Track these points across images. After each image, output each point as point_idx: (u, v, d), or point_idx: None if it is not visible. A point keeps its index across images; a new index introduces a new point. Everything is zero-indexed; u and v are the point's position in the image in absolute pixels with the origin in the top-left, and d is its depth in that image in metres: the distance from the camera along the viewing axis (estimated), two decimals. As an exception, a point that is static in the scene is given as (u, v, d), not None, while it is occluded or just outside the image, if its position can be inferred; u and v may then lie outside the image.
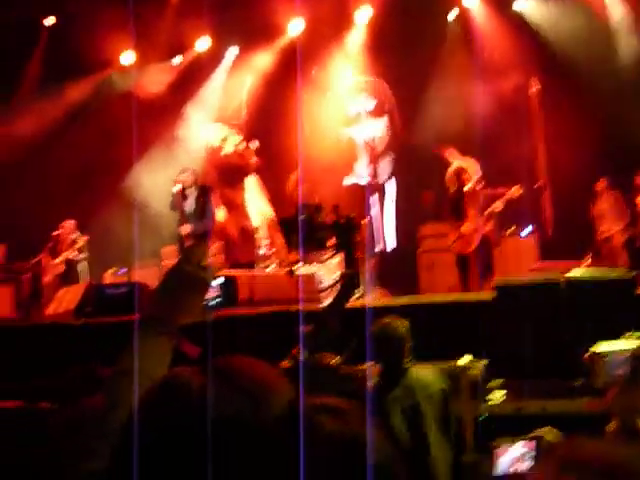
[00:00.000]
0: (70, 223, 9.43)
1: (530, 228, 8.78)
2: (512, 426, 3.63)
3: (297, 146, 9.83)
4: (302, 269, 7.71)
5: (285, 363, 3.74)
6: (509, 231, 8.70)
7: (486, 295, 6.09)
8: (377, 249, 9.35)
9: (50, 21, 11.21)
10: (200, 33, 11.12)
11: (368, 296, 7.13)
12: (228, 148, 9.71)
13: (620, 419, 2.65)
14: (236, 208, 9.47)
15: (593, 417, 3.48)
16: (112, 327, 5.48)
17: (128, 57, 11.18)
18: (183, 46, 11.32)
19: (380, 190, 10.40)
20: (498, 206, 7.77)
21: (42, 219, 9.71)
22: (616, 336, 3.94)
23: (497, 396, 4.86)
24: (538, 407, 4.62)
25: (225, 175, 9.85)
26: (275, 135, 10.28)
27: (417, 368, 3.79)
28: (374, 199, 10.00)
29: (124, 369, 1.16)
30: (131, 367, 1.15)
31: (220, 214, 7.83)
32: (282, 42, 11.05)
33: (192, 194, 7.88)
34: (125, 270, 9.88)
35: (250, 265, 8.15)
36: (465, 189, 7.75)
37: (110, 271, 9.90)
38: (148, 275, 8.99)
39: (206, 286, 1.30)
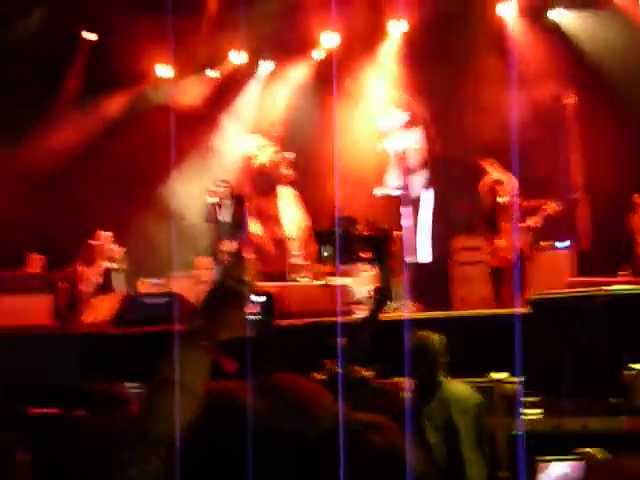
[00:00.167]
0: (106, 233, 9.58)
1: (567, 242, 8.66)
2: (549, 444, 3.58)
3: (331, 158, 9.86)
4: (335, 281, 7.72)
5: (317, 375, 3.74)
6: (544, 244, 8.59)
7: (521, 310, 6.01)
8: (410, 262, 9.30)
9: (89, 35, 11.45)
10: (235, 46, 11.26)
11: (401, 309, 7.11)
12: (263, 158, 9.77)
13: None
14: (269, 219, 9.52)
15: (634, 435, 3.41)
16: (150, 336, 5.54)
17: (164, 70, 11.36)
18: (219, 59, 11.47)
19: (412, 202, 10.37)
20: (536, 221, 7.68)
21: (79, 230, 9.88)
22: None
23: (533, 413, 4.80)
24: (577, 425, 4.54)
25: (259, 185, 9.91)
26: (309, 147, 10.34)
27: (451, 383, 3.76)
28: (407, 211, 9.97)
29: (163, 380, 1.18)
30: (170, 378, 1.17)
31: (253, 225, 7.87)
32: (316, 55, 11.14)
33: (227, 206, 7.94)
34: (160, 281, 9.99)
35: (282, 276, 8.17)
36: (500, 202, 7.68)
37: (145, 281, 10.03)
38: (182, 286, 9.08)
39: (247, 301, 1.32)
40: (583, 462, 1.75)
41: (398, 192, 10.31)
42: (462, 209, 9.70)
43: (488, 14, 10.36)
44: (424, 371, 3.69)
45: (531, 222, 7.61)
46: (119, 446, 1.12)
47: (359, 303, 7.10)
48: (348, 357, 4.04)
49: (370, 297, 7.30)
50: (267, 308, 1.38)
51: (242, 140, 10.66)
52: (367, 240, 4.41)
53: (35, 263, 9.84)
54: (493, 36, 10.22)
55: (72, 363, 5.82)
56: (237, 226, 7.82)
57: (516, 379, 4.82)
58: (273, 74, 11.40)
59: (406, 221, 9.88)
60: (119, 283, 9.50)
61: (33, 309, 8.77)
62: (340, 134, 10.65)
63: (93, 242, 9.38)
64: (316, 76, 10.90)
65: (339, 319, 5.96)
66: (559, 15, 10.06)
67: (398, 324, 5.18)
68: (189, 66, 11.29)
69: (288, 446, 0.68)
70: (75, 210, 10.41)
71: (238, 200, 8.01)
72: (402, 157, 10.40)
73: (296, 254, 8.82)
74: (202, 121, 10.99)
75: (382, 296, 4.05)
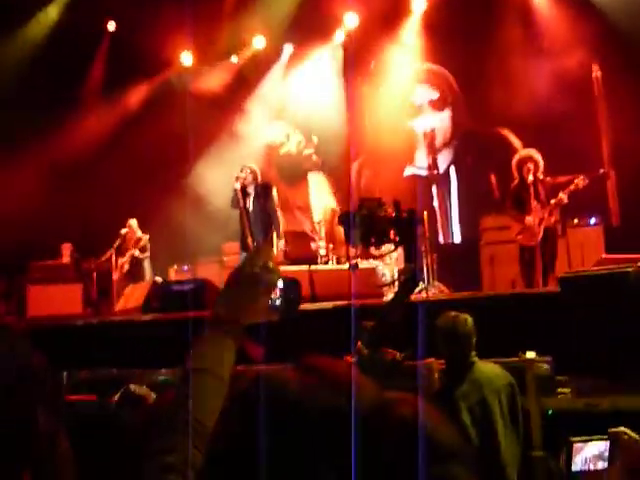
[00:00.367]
0: (134, 221, 9.68)
1: (594, 219, 8.54)
2: (582, 423, 3.56)
3: (358, 139, 9.82)
4: (363, 264, 7.71)
5: (349, 358, 3.75)
6: (574, 222, 8.48)
7: (551, 289, 5.97)
8: (439, 242, 9.27)
9: (113, 26, 11.51)
10: (257, 31, 11.22)
11: (430, 290, 7.09)
12: (290, 147, 9.77)
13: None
14: (297, 206, 9.54)
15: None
16: (180, 323, 5.59)
17: (187, 57, 11.38)
18: (241, 44, 11.44)
19: (441, 181, 10.30)
20: (562, 198, 7.55)
21: (107, 218, 9.99)
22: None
23: (565, 392, 4.77)
24: (608, 403, 4.50)
25: (286, 173, 9.93)
26: (335, 130, 10.30)
27: (483, 363, 3.75)
28: (435, 190, 9.91)
29: (193, 367, 1.19)
30: (200, 365, 1.18)
31: (280, 212, 7.88)
32: (338, 37, 11.06)
33: (252, 192, 7.95)
34: (188, 267, 10.08)
35: (310, 261, 8.19)
36: (529, 179, 7.56)
37: (173, 268, 10.13)
38: (210, 271, 9.16)
39: (272, 287, 1.32)
40: (614, 442, 1.74)
41: (427, 171, 10.24)
42: (491, 188, 9.62)
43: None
44: (455, 352, 3.68)
45: (560, 198, 7.47)
46: (155, 433, 1.13)
47: (387, 285, 7.09)
48: (378, 339, 4.03)
49: (399, 279, 7.29)
50: (293, 293, 1.37)
51: (268, 128, 10.66)
52: (394, 222, 4.38)
53: (67, 253, 9.99)
54: (518, 8, 10.04)
55: (105, 350, 5.90)
56: (262, 212, 7.83)
57: (546, 358, 4.80)
58: (296, 57, 11.36)
59: (435, 200, 9.82)
60: (148, 270, 9.61)
61: (65, 298, 8.92)
62: (368, 115, 10.60)
63: (123, 231, 9.49)
64: (340, 58, 10.83)
65: (368, 302, 5.96)
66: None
67: (428, 305, 5.17)
68: (212, 53, 11.30)
69: (335, 424, 0.69)
70: (105, 199, 10.52)
71: (263, 186, 8.01)
72: (431, 136, 10.32)
73: (323, 238, 8.83)
74: (227, 107, 11.01)
75: (412, 278, 4.03)
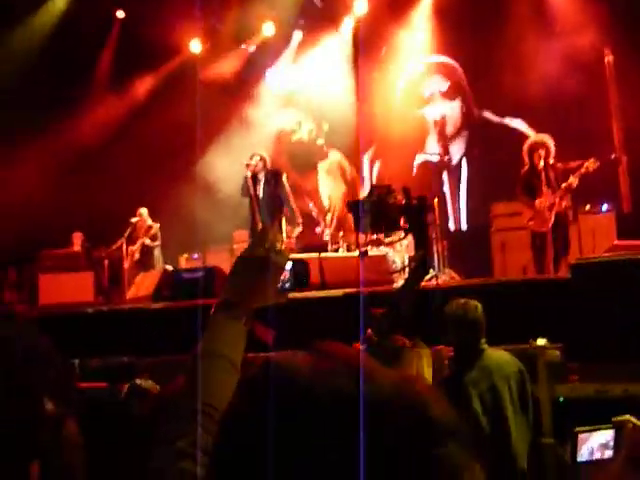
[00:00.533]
0: (144, 210, 9.71)
1: (606, 206, 8.47)
2: (592, 409, 3.54)
3: (368, 126, 9.78)
4: (373, 251, 7.70)
5: (358, 345, 3.75)
6: (586, 208, 8.42)
7: (562, 275, 5.94)
8: (450, 229, 9.25)
9: (121, 14, 11.49)
10: (266, 18, 11.17)
11: (440, 277, 7.06)
12: (301, 134, 9.75)
13: None
14: (307, 193, 9.53)
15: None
16: (190, 311, 5.61)
17: (196, 45, 11.35)
18: (250, 31, 11.40)
19: (452, 169, 10.26)
20: (572, 182, 7.47)
21: (117, 207, 10.02)
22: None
23: (575, 379, 4.75)
24: (619, 390, 4.49)
25: (297, 160, 9.91)
26: (345, 118, 10.26)
27: (493, 350, 3.74)
28: (446, 177, 9.89)
29: (202, 352, 1.18)
30: (209, 350, 1.18)
31: (290, 199, 7.87)
32: (348, 23, 11.00)
33: (262, 179, 7.94)
34: (198, 255, 10.10)
35: (320, 248, 8.19)
36: (540, 165, 7.50)
37: (184, 256, 10.16)
38: (220, 259, 9.17)
39: (280, 270, 1.31)
40: (619, 430, 1.72)
41: (438, 158, 10.20)
42: (499, 175, 9.58)
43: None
44: (465, 339, 3.67)
45: (570, 182, 7.39)
46: (163, 420, 1.13)
47: (398, 272, 7.08)
48: (389, 326, 4.03)
49: (409, 266, 7.28)
50: (302, 272, 1.36)
51: (279, 115, 10.64)
52: (404, 208, 4.36)
53: (78, 241, 10.04)
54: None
55: (115, 338, 5.94)
56: (272, 199, 7.82)
57: (557, 345, 4.78)
58: (306, 44, 11.31)
59: (446, 187, 9.79)
60: (159, 258, 9.65)
61: (76, 286, 8.97)
62: (378, 101, 10.56)
63: (134, 220, 9.52)
64: (350, 44, 10.78)
65: (378, 289, 5.96)
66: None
67: (438, 292, 5.16)
68: (221, 40, 11.26)
69: (346, 411, 0.68)
70: (116, 188, 10.56)
71: (273, 173, 8.00)
72: (442, 123, 10.28)
73: (333, 226, 8.83)
74: (236, 94, 10.99)
75: (422, 265, 4.02)
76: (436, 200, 8.69)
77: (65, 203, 10.23)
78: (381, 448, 0.65)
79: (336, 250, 8.59)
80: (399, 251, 7.96)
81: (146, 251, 9.55)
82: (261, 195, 7.85)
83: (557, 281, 5.97)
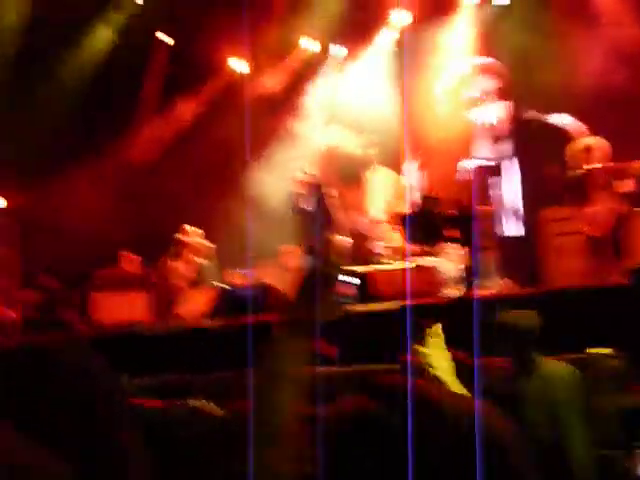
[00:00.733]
0: (194, 228, 9.84)
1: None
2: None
3: (413, 135, 9.73)
4: (423, 262, 7.62)
5: (406, 357, 3.70)
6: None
7: (621, 281, 5.77)
8: (500, 237, 9.08)
9: (166, 37, 11.74)
10: (306, 33, 11.27)
11: (493, 287, 6.95)
12: (347, 147, 9.76)
13: None
14: (353, 204, 9.51)
15: None
16: (243, 328, 5.64)
17: (239, 63, 11.51)
18: (292, 47, 11.51)
19: (501, 172, 10.10)
20: (628, 185, 7.26)
21: (167, 225, 10.18)
22: None
23: (638, 388, 4.59)
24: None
25: (344, 173, 9.91)
26: (391, 126, 10.25)
27: (549, 360, 3.65)
28: (496, 183, 9.73)
29: (268, 373, 1.18)
30: (275, 370, 1.17)
31: (339, 213, 7.88)
32: (390, 33, 11.01)
33: (310, 194, 7.97)
34: (248, 271, 10.17)
35: (369, 261, 8.16)
36: (589, 169, 7.32)
37: (234, 272, 10.24)
38: (270, 274, 9.21)
39: (337, 283, 1.31)
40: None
41: (486, 163, 10.08)
42: (550, 178, 9.39)
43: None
44: (520, 350, 3.59)
45: (625, 187, 7.19)
46: (233, 440, 1.13)
47: (448, 283, 6.99)
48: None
49: (460, 277, 7.18)
50: (362, 288, 1.37)
51: (325, 129, 10.68)
52: (452, 219, 4.33)
53: (128, 260, 10.22)
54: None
55: (170, 356, 6.00)
56: (320, 214, 7.84)
57: (618, 353, 4.63)
58: (348, 56, 11.35)
59: (496, 193, 9.64)
60: (210, 277, 9.74)
61: (129, 305, 9.12)
62: (425, 109, 10.51)
63: (180, 237, 9.65)
64: (392, 54, 10.81)
65: (428, 300, 5.89)
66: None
67: (491, 302, 5.07)
68: (264, 57, 11.40)
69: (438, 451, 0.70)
70: (165, 206, 10.73)
71: (320, 188, 8.02)
72: (490, 127, 10.16)
73: (383, 238, 8.79)
74: (281, 110, 11.09)
75: (471, 274, 3.97)
76: (485, 207, 8.58)
77: (117, 223, 10.45)
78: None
79: (384, 262, 8.53)
80: (449, 261, 7.87)
81: (196, 269, 9.66)
82: (309, 210, 7.87)
83: (616, 287, 5.80)
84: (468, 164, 9.88)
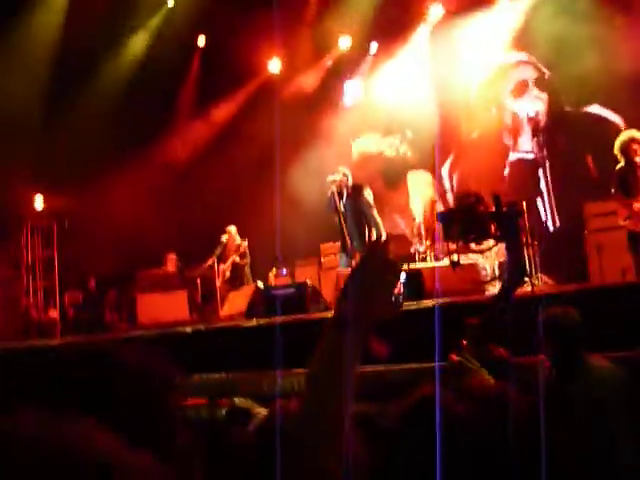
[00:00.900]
0: (233, 228, 9.93)
1: None
2: None
3: (449, 131, 9.65)
4: (463, 259, 7.57)
5: (454, 356, 3.68)
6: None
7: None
8: (541, 231, 8.96)
9: (202, 40, 11.86)
10: (341, 32, 11.26)
11: (534, 284, 6.87)
12: (386, 148, 9.76)
13: None
14: (396, 208, 9.50)
15: None
16: (284, 327, 5.68)
17: (276, 64, 11.57)
18: (327, 47, 11.52)
19: (545, 165, 9.97)
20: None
21: (207, 226, 10.29)
22: None
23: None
24: None
25: (386, 175, 9.90)
26: (429, 123, 10.20)
27: (595, 359, 3.60)
28: (541, 174, 9.60)
29: (318, 372, 1.17)
30: (324, 371, 1.16)
31: (379, 212, 7.87)
32: (424, 30, 10.94)
33: (346, 194, 7.98)
34: (287, 270, 10.22)
35: (408, 259, 8.13)
36: (636, 161, 7.15)
37: (273, 272, 10.30)
38: (308, 273, 9.26)
39: (395, 281, 1.27)
40: None
41: (531, 155, 9.95)
42: (589, 172, 9.24)
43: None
44: (565, 347, 3.55)
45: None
46: (279, 442, 1.13)
47: (490, 281, 6.94)
48: (485, 336, 3.95)
49: (500, 274, 7.12)
50: (415, 286, 1.33)
51: (362, 129, 10.67)
52: (494, 216, 4.28)
53: (171, 261, 10.37)
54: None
55: (212, 356, 6.07)
56: (356, 214, 7.83)
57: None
58: (384, 53, 11.32)
59: (542, 184, 9.51)
60: (248, 276, 9.82)
61: (172, 305, 9.25)
62: (463, 104, 10.42)
63: (224, 238, 9.75)
64: (428, 50, 10.74)
65: (471, 298, 5.86)
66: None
67: (534, 300, 5.02)
68: (300, 57, 11.43)
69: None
70: (204, 208, 10.86)
71: (355, 188, 8.02)
72: (529, 120, 10.02)
73: (424, 240, 8.76)
74: (318, 110, 11.11)
75: (517, 272, 3.93)
76: (525, 203, 8.47)
77: (158, 224, 10.60)
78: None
79: (424, 260, 8.51)
80: (488, 258, 7.81)
81: (236, 268, 9.75)
82: (345, 210, 7.88)
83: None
84: (513, 156, 9.77)
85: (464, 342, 3.80)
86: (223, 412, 3.38)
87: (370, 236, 7.61)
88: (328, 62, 11.66)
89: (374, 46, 11.38)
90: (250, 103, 11.64)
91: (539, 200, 9.64)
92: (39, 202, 11.68)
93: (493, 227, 4.72)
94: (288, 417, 1.31)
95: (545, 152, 10.01)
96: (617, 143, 7.41)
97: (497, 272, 7.62)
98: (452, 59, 10.54)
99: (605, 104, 9.38)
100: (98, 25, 10.69)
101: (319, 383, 1.15)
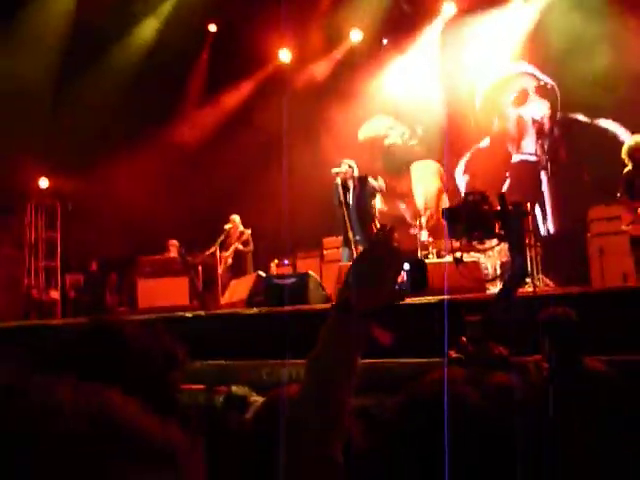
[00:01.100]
0: (237, 216, 9.93)
1: None
2: None
3: (457, 130, 9.64)
4: (465, 257, 7.57)
5: (452, 353, 3.70)
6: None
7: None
8: (545, 234, 8.97)
9: (214, 27, 11.84)
10: (353, 25, 11.24)
11: (536, 285, 6.88)
12: (394, 138, 9.75)
13: None
14: (400, 194, 9.50)
15: None
16: (283, 316, 5.70)
17: (286, 54, 11.55)
18: (338, 39, 11.50)
19: (548, 168, 9.98)
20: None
21: (210, 214, 10.30)
22: None
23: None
24: None
25: (391, 164, 9.90)
26: (438, 119, 10.19)
27: (594, 361, 3.61)
28: (543, 177, 9.61)
29: (319, 358, 1.16)
30: (326, 356, 1.16)
31: (380, 203, 7.87)
32: (437, 26, 10.92)
33: (351, 186, 7.98)
34: (288, 261, 10.24)
35: (412, 253, 8.14)
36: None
37: (274, 262, 10.32)
38: (310, 265, 9.26)
39: (399, 269, 1.27)
40: None
41: (530, 159, 9.96)
42: (596, 176, 9.23)
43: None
44: (563, 348, 3.56)
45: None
46: (278, 427, 1.13)
47: (492, 280, 6.95)
48: (484, 334, 3.96)
49: (502, 273, 7.13)
50: (420, 273, 1.32)
51: (372, 120, 10.66)
52: (499, 215, 4.28)
53: (173, 247, 10.39)
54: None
55: (212, 342, 6.09)
56: (361, 206, 7.83)
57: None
58: (395, 48, 11.31)
59: (545, 187, 9.52)
60: (250, 264, 9.84)
61: (173, 291, 9.28)
62: (466, 106, 10.41)
63: (227, 226, 9.76)
64: (439, 47, 10.72)
65: (472, 296, 5.87)
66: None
67: (534, 300, 5.03)
68: (310, 48, 11.42)
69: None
70: (208, 195, 10.86)
71: (361, 180, 8.02)
72: (533, 124, 10.03)
73: (424, 228, 8.76)
74: (327, 101, 11.10)
75: (519, 272, 3.93)
76: (529, 204, 8.48)
77: (161, 211, 10.62)
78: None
79: (426, 256, 8.50)
80: (490, 257, 7.81)
81: (239, 257, 9.76)
82: (351, 202, 7.88)
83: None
84: (516, 157, 9.77)
85: (463, 339, 3.82)
86: (220, 399, 3.40)
87: (372, 230, 7.62)
88: (339, 54, 11.64)
89: (387, 39, 11.37)
90: (259, 91, 11.63)
91: (537, 204, 9.66)
92: (44, 181, 11.71)
93: (497, 226, 4.71)
94: (287, 402, 1.31)
95: (547, 156, 10.03)
96: (625, 147, 7.40)
97: (499, 272, 7.63)
98: (461, 59, 10.52)
99: (614, 108, 9.35)
100: (109, 10, 10.68)
101: (320, 368, 1.15)
